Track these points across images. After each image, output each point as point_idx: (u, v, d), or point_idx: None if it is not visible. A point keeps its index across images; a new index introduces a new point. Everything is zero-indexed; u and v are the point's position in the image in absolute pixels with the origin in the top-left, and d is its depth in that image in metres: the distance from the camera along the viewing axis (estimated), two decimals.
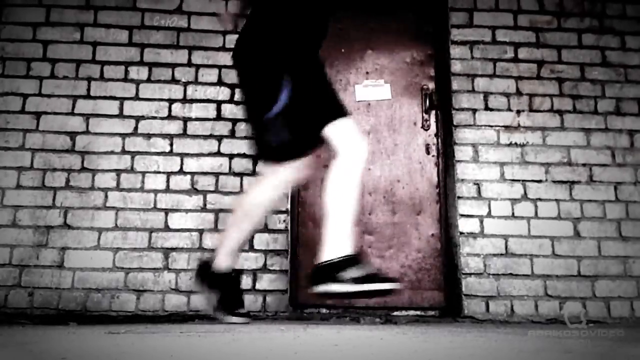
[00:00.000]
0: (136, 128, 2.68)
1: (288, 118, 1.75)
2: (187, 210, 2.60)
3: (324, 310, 2.66)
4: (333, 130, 1.73)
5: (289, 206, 2.67)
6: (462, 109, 2.80)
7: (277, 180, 1.92)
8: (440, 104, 2.93)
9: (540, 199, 2.70)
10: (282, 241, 2.61)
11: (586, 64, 2.88)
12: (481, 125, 2.79)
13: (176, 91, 2.73)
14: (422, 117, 2.94)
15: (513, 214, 2.68)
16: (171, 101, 2.72)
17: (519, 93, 2.83)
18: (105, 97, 2.70)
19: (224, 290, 1.93)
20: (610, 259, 2.64)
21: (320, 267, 1.72)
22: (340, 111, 1.77)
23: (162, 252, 2.55)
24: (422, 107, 2.95)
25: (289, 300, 2.58)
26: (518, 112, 2.81)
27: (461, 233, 2.65)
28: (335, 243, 1.71)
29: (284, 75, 1.73)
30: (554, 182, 2.73)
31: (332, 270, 1.69)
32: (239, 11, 2.05)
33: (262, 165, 2.00)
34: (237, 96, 2.74)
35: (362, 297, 1.72)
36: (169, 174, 2.64)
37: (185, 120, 2.70)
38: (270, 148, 1.84)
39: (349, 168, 1.73)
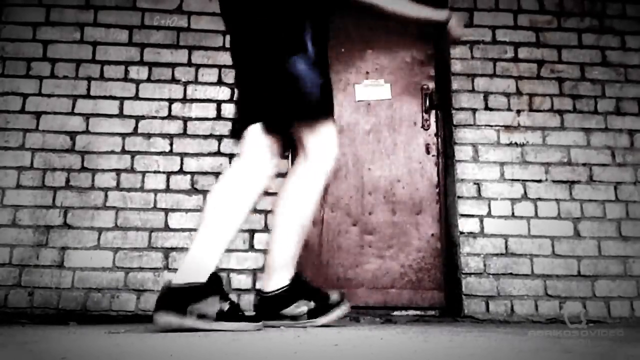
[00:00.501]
0: (136, 128, 2.68)
1: (316, 66, 1.52)
2: (187, 210, 2.60)
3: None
4: (311, 129, 1.56)
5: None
6: (462, 109, 2.80)
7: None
8: (440, 103, 2.93)
9: (540, 199, 2.70)
10: None
11: (586, 63, 2.88)
12: (481, 125, 2.79)
13: (176, 91, 2.73)
14: (422, 116, 2.94)
15: (513, 213, 2.68)
16: (171, 101, 2.72)
17: (519, 93, 2.83)
18: (105, 97, 2.70)
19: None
20: (610, 258, 2.65)
21: (266, 298, 1.58)
22: (329, 109, 1.60)
23: (162, 252, 2.55)
24: (422, 106, 2.95)
25: None
26: (518, 111, 2.81)
27: (461, 233, 2.66)
28: (282, 266, 1.57)
29: (307, 23, 1.53)
30: (554, 182, 2.73)
31: (279, 305, 1.56)
32: None
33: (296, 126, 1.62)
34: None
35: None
36: (169, 174, 2.64)
37: (185, 120, 2.70)
38: (304, 101, 1.53)
39: (316, 176, 1.57)
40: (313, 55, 1.53)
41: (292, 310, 1.58)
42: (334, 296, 1.68)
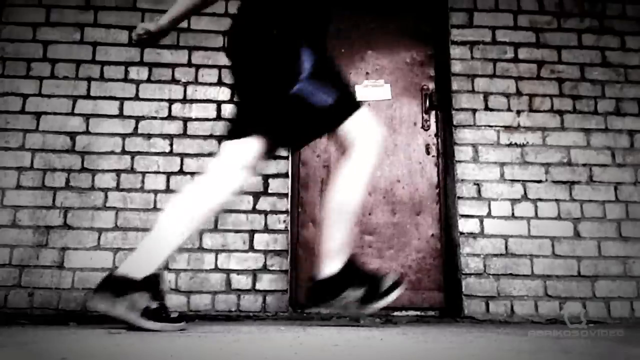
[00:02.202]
0: (136, 128, 2.68)
1: (324, 73, 1.57)
2: None
3: (324, 311, 2.65)
4: (350, 121, 1.59)
5: (289, 206, 2.67)
6: (462, 109, 2.80)
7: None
8: (440, 104, 2.93)
9: (540, 199, 2.70)
10: (282, 241, 2.60)
11: (586, 64, 2.88)
12: (481, 126, 2.79)
13: (176, 91, 2.73)
14: (422, 117, 2.94)
15: (513, 214, 2.68)
16: (171, 101, 2.72)
17: (519, 93, 2.83)
18: (105, 97, 2.70)
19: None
20: (610, 259, 2.64)
21: (320, 283, 1.61)
22: (355, 102, 1.64)
23: None
24: (422, 107, 2.95)
25: (289, 301, 2.58)
26: (518, 112, 2.81)
27: (461, 233, 2.65)
28: (336, 252, 1.59)
29: (302, 42, 1.57)
30: (554, 182, 2.73)
31: (328, 291, 1.57)
32: None
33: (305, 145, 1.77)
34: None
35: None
36: (169, 174, 2.64)
37: (185, 120, 2.70)
38: (318, 115, 1.57)
39: (364, 164, 1.59)
40: (312, 69, 1.56)
41: (340, 299, 1.60)
42: (388, 279, 1.66)
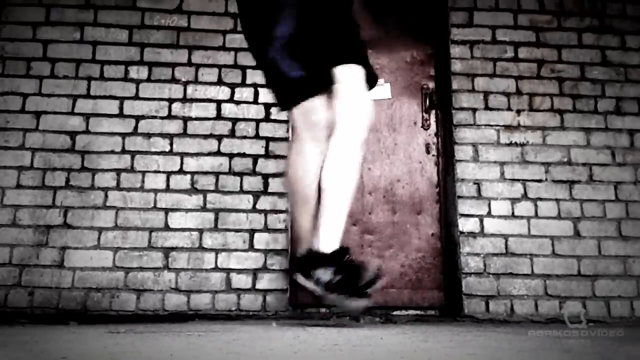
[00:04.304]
0: (136, 127, 2.68)
1: (296, 48, 1.54)
2: (187, 210, 2.60)
3: (323, 310, 2.66)
4: (340, 76, 1.54)
5: (289, 206, 2.67)
6: (462, 109, 2.80)
7: (312, 130, 1.60)
8: (440, 103, 2.93)
9: (540, 199, 2.70)
10: (282, 241, 2.61)
11: (586, 63, 2.88)
12: (481, 125, 2.79)
13: (176, 91, 2.73)
14: (422, 116, 2.94)
15: (513, 213, 2.68)
16: (171, 101, 2.72)
17: (519, 92, 2.83)
18: (105, 97, 2.70)
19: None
20: (610, 258, 2.65)
21: (302, 256, 1.57)
22: (352, 55, 1.59)
23: (162, 252, 2.55)
24: (422, 106, 2.95)
25: (289, 300, 2.58)
26: (518, 111, 2.81)
27: (461, 233, 2.66)
28: (328, 231, 1.50)
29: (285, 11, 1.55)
30: (554, 181, 2.73)
31: (310, 264, 1.50)
32: None
33: (286, 112, 1.72)
34: (237, 95, 2.74)
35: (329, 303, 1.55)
36: (169, 174, 2.64)
37: (185, 119, 2.70)
38: (287, 85, 1.59)
39: (348, 141, 1.53)
40: (287, 37, 1.56)
41: (315, 279, 1.50)
42: (369, 273, 1.55)
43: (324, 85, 1.58)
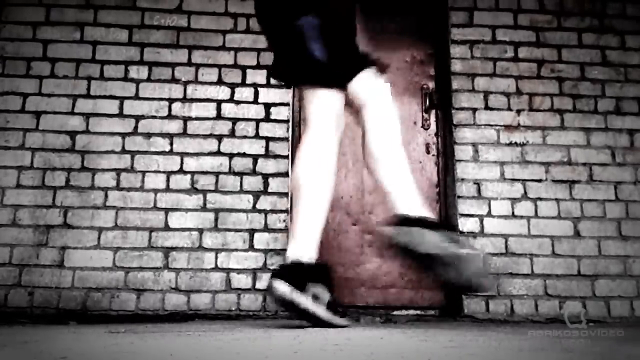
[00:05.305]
0: (136, 127, 2.68)
1: (326, 36, 1.52)
2: (187, 210, 2.60)
3: None
4: (362, 80, 1.57)
5: (289, 206, 2.67)
6: (462, 109, 2.80)
7: (326, 122, 1.55)
8: (440, 103, 2.93)
9: (540, 199, 2.70)
10: (282, 241, 2.60)
11: (586, 63, 2.88)
12: (481, 125, 2.79)
13: (176, 90, 2.73)
14: (422, 116, 2.94)
15: (513, 213, 2.68)
16: (171, 100, 2.72)
17: (519, 92, 2.83)
18: (105, 97, 2.70)
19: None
20: (610, 258, 2.65)
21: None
22: (366, 61, 1.63)
23: (162, 252, 2.55)
24: (422, 106, 2.95)
25: None
26: (518, 111, 2.81)
27: (461, 232, 2.65)
28: (409, 197, 1.47)
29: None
30: (554, 181, 2.73)
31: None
32: None
33: (304, 89, 1.64)
34: (237, 95, 2.74)
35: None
36: (169, 174, 2.64)
37: (185, 119, 2.70)
38: (307, 63, 1.53)
39: (390, 114, 1.58)
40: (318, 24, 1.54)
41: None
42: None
43: (346, 80, 1.59)
